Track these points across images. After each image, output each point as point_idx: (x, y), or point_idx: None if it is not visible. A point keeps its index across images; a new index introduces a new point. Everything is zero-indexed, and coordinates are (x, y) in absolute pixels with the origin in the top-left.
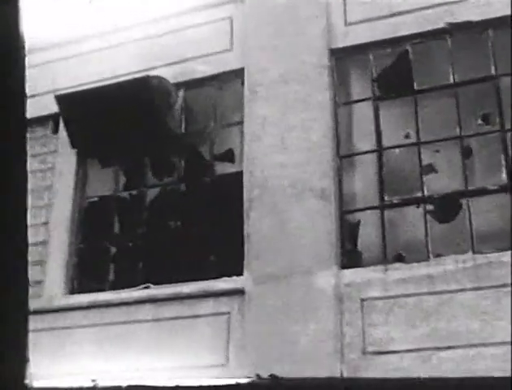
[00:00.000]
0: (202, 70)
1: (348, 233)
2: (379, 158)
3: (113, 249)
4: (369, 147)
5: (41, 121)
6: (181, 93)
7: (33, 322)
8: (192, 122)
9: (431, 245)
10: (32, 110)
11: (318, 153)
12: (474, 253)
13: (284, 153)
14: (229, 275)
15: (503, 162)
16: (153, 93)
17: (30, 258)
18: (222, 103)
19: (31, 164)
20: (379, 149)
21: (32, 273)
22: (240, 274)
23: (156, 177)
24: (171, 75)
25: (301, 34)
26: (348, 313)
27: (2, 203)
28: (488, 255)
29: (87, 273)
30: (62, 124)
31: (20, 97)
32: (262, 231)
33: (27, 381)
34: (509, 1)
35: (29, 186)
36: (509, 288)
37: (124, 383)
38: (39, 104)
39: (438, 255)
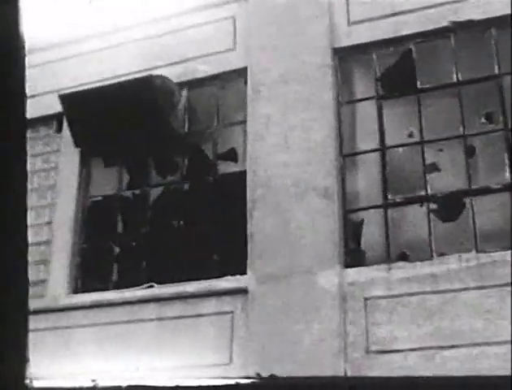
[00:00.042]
0: (205, 69)
1: (351, 232)
2: (383, 157)
3: (116, 249)
4: (372, 146)
5: (44, 120)
6: (184, 93)
7: (37, 322)
8: (195, 121)
9: (434, 244)
10: (36, 109)
11: (322, 153)
12: (477, 251)
13: (287, 152)
14: (232, 275)
15: (506, 161)
16: (156, 92)
17: (34, 258)
18: (225, 103)
19: (34, 163)
20: (383, 148)
21: (36, 272)
22: (243, 273)
23: (159, 176)
24: (174, 74)
25: (304, 33)
26: (351, 312)
27: (2, 203)
28: (492, 254)
29: (90, 272)
30: (65, 124)
31: (20, 97)
32: (266, 231)
33: (27, 381)
34: None
35: (33, 185)
36: None
37: (126, 383)
38: (42, 103)
39: (441, 254)
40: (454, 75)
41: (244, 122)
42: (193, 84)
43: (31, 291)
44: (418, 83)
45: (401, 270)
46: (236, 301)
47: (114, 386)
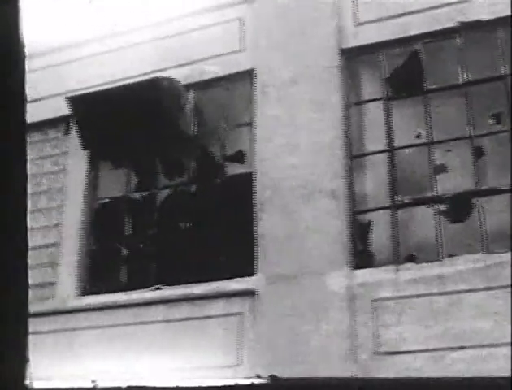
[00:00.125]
0: (213, 71)
1: (359, 233)
2: (391, 158)
3: (124, 251)
4: (380, 147)
5: (52, 123)
6: (192, 95)
7: (46, 324)
8: (202, 123)
9: (442, 245)
10: (44, 112)
11: (329, 154)
12: (485, 253)
13: (295, 153)
14: (241, 276)
15: None
16: (163, 94)
17: (42, 260)
18: (232, 104)
19: (43, 166)
20: (391, 149)
21: (45, 275)
22: (251, 274)
23: (167, 178)
24: (181, 76)
25: (311, 35)
26: (360, 313)
27: (1, 204)
28: (500, 255)
29: (99, 274)
30: (73, 126)
31: (20, 98)
32: (274, 232)
33: (27, 381)
34: None
35: (41, 188)
36: None
37: (125, 384)
38: (51, 106)
39: (450, 255)
40: (462, 76)
41: (251, 123)
42: (201, 86)
43: (40, 293)
44: (426, 83)
45: (410, 271)
46: (245, 303)
47: (114, 387)
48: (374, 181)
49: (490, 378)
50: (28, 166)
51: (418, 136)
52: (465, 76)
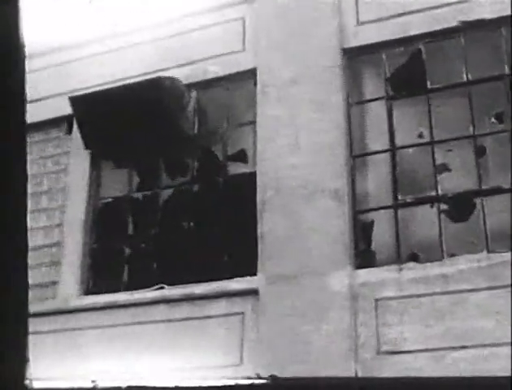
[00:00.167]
0: (215, 70)
1: (361, 233)
2: (393, 158)
3: (127, 250)
4: (382, 147)
5: (54, 123)
6: (194, 94)
7: (48, 324)
8: (204, 123)
9: (445, 245)
10: (46, 111)
11: (331, 154)
12: (488, 252)
13: (297, 153)
14: (242, 276)
15: None
16: (165, 94)
17: (44, 260)
18: (234, 104)
19: (45, 165)
20: (393, 149)
21: (47, 274)
22: (253, 274)
23: (169, 178)
24: (183, 76)
25: (313, 34)
26: (362, 313)
27: (1, 204)
28: (503, 254)
29: (101, 274)
30: (75, 126)
31: (20, 98)
32: (276, 232)
33: (27, 381)
34: None
35: (43, 188)
36: None
37: (125, 384)
38: (52, 106)
39: (452, 255)
40: (464, 75)
41: (253, 123)
42: (203, 86)
43: (42, 293)
44: (428, 83)
45: (412, 270)
46: (247, 302)
47: (114, 387)
48: (376, 181)
49: (491, 377)
50: (30, 165)
51: (420, 136)
52: (467, 76)
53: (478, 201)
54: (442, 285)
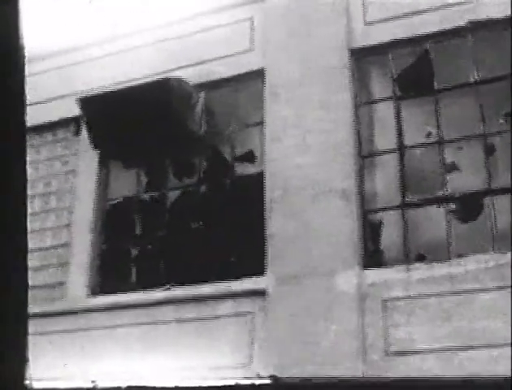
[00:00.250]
0: (223, 71)
1: (370, 233)
2: (401, 158)
3: (135, 251)
4: (390, 146)
5: (62, 123)
6: (202, 95)
7: (56, 324)
8: (212, 123)
9: (453, 245)
10: (54, 112)
11: (340, 154)
12: (496, 252)
13: (305, 153)
14: (251, 276)
15: None
16: (173, 94)
17: (53, 260)
18: (242, 104)
19: (53, 166)
20: (401, 149)
21: (55, 275)
22: (261, 274)
23: (177, 179)
24: (191, 76)
25: (321, 35)
26: (370, 313)
27: (1, 204)
28: (510, 255)
29: (109, 275)
30: (83, 127)
31: (20, 98)
32: (284, 232)
33: (27, 381)
34: None
35: (51, 188)
36: None
37: (124, 384)
38: (61, 107)
39: (460, 255)
40: (472, 75)
41: (261, 123)
42: (211, 86)
43: (50, 293)
44: (436, 83)
45: (420, 271)
46: (255, 303)
47: (114, 387)
48: (384, 181)
49: (504, 378)
50: (39, 167)
51: (429, 135)
52: (475, 75)
53: (486, 200)
54: (450, 285)
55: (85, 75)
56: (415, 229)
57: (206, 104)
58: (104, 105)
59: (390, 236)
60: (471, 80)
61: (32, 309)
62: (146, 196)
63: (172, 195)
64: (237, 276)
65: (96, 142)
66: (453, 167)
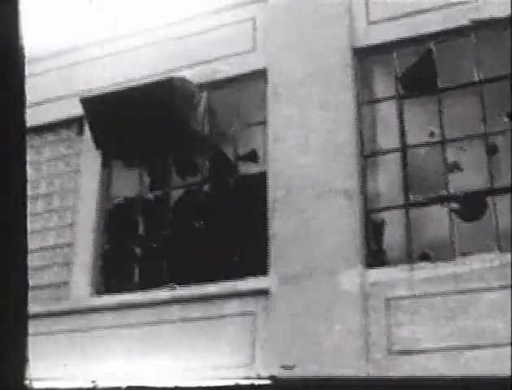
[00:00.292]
0: (225, 71)
1: (373, 232)
2: (404, 157)
3: (138, 250)
4: (393, 146)
5: (65, 123)
6: (204, 94)
7: (60, 324)
8: (215, 123)
9: (456, 244)
10: (57, 112)
11: (342, 153)
12: (500, 251)
13: (308, 153)
14: (254, 275)
15: None
16: (176, 94)
17: (56, 260)
18: (245, 104)
19: (56, 166)
20: (404, 148)
21: (59, 274)
22: (265, 274)
23: (180, 178)
24: (194, 76)
25: (324, 34)
26: (373, 312)
27: (1, 204)
28: None
29: (113, 274)
30: (86, 126)
31: (20, 98)
32: (287, 231)
33: (26, 381)
34: None
35: (55, 188)
36: None
37: (124, 384)
38: (63, 107)
39: (464, 254)
40: (475, 74)
41: (264, 123)
42: (213, 86)
43: (54, 293)
44: (439, 82)
45: (423, 270)
46: (258, 302)
47: (114, 387)
48: (387, 180)
49: (508, 377)
50: (42, 166)
51: (431, 135)
52: (478, 75)
53: (490, 199)
54: (454, 284)
55: (88, 75)
56: (418, 228)
57: (209, 104)
58: (107, 105)
59: (393, 236)
60: (474, 79)
61: (36, 308)
62: (149, 195)
63: (175, 194)
64: (241, 276)
65: (99, 142)
66: (455, 167)
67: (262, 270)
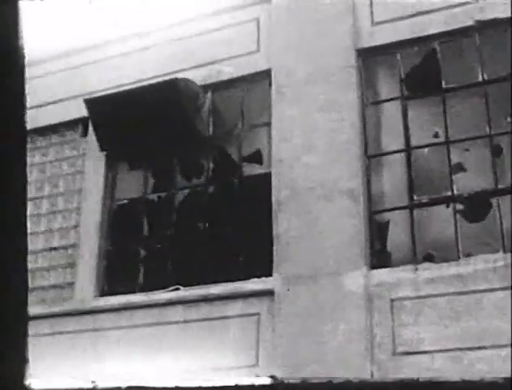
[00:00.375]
0: (229, 71)
1: (377, 233)
2: (408, 158)
3: (142, 252)
4: (397, 147)
5: (70, 125)
6: (209, 95)
7: (64, 325)
8: (219, 124)
9: (461, 245)
10: (61, 114)
11: (347, 154)
12: (504, 252)
13: (312, 153)
14: (258, 276)
15: None
16: (180, 95)
17: (61, 261)
18: (249, 105)
19: (61, 168)
20: (408, 149)
21: (63, 276)
22: (269, 275)
23: (184, 179)
24: (198, 77)
25: (327, 35)
26: (377, 313)
27: (1, 204)
28: None
29: (117, 275)
30: (91, 128)
31: (20, 99)
32: (291, 232)
33: (26, 382)
34: None
35: (59, 189)
36: None
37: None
38: (68, 108)
39: (468, 255)
40: (480, 75)
41: (268, 124)
42: (218, 87)
43: (58, 294)
44: (443, 83)
45: (428, 271)
46: (262, 303)
47: (114, 387)
48: (391, 181)
49: (491, 377)
50: (46, 168)
51: (436, 136)
52: (482, 75)
53: (494, 200)
54: (458, 285)
55: (92, 76)
56: (423, 229)
57: (214, 104)
58: (111, 106)
59: (397, 236)
60: (478, 79)
61: (40, 309)
62: (154, 196)
63: (180, 195)
64: (245, 277)
65: (103, 143)
66: (459, 167)
67: (266, 271)
